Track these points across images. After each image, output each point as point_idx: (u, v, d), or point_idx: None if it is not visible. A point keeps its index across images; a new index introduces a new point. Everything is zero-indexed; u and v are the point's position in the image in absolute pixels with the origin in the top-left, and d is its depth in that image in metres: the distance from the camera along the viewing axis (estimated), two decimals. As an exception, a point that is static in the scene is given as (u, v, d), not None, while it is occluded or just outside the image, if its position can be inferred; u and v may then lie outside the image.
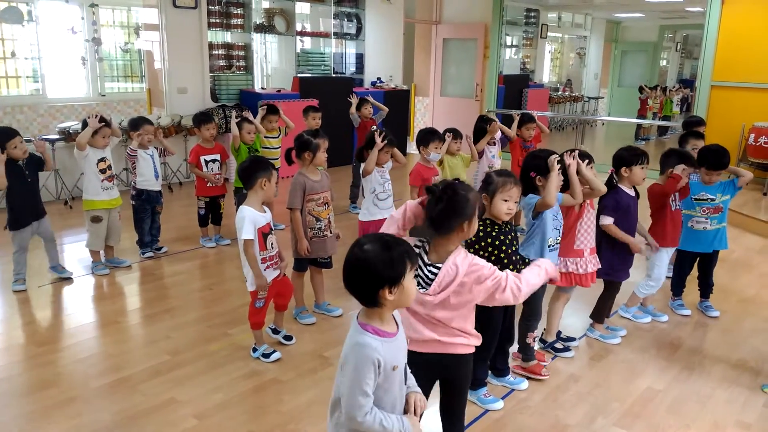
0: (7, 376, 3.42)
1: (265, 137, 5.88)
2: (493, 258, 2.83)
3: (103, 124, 4.82)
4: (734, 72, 8.58)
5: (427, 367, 2.36)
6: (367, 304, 1.86)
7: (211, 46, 8.37)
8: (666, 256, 4.16)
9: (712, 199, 4.19)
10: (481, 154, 5.65)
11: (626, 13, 15.55)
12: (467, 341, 2.38)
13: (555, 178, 3.14)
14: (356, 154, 4.72)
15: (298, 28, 9.53)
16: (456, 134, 5.20)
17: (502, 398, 3.26)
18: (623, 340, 3.99)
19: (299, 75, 9.21)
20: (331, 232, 4.06)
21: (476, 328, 2.42)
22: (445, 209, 2.24)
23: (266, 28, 9.02)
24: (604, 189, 3.46)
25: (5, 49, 8.83)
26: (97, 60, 9.47)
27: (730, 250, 4.80)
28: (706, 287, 4.46)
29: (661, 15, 15.14)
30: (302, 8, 9.74)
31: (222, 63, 8.67)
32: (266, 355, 3.65)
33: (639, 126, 13.60)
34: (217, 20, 8.43)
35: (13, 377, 3.42)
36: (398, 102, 10.34)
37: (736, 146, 8.40)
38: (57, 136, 7.01)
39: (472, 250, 2.84)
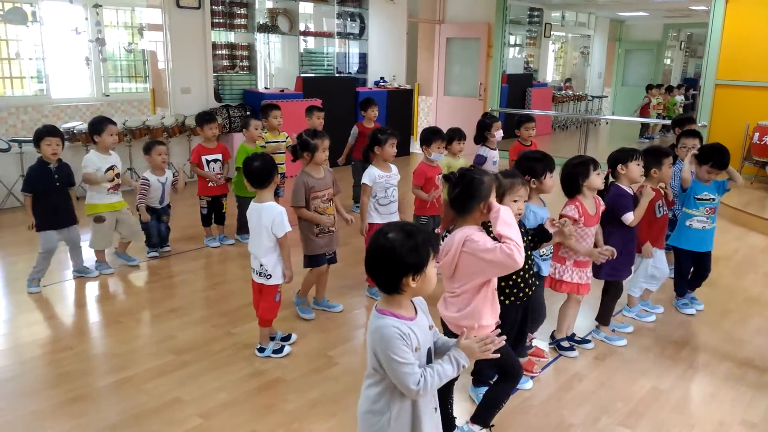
0: (13, 376, 3.43)
1: (268, 143, 5.87)
2: None
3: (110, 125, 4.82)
4: (738, 71, 8.56)
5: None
6: (388, 291, 1.91)
7: (214, 46, 8.37)
8: (662, 254, 4.16)
9: (713, 199, 4.19)
10: (484, 161, 5.50)
11: (630, 12, 15.52)
12: (467, 324, 2.51)
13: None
14: (362, 154, 4.73)
15: (302, 27, 9.53)
16: (460, 135, 5.18)
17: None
18: (628, 339, 3.99)
19: (302, 75, 9.22)
20: (335, 228, 4.13)
21: None
22: (461, 193, 2.48)
23: (269, 28, 9.03)
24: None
25: (9, 50, 8.86)
26: (101, 60, 9.50)
27: (734, 249, 4.80)
28: (696, 283, 4.47)
29: (665, 14, 15.10)
30: (305, 8, 9.74)
31: (225, 63, 8.68)
32: (277, 351, 3.66)
33: (643, 125, 13.55)
34: (221, 20, 8.44)
35: (19, 377, 3.43)
36: (401, 101, 10.35)
37: (741, 145, 8.39)
38: (61, 137, 7.02)
39: None
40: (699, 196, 4.20)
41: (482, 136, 5.56)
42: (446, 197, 2.61)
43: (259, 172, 3.53)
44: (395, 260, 1.85)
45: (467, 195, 2.47)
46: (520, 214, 2.89)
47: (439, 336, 2.09)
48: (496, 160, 5.53)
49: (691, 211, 4.26)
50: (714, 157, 4.13)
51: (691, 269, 4.44)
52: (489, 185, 2.49)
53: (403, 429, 1.97)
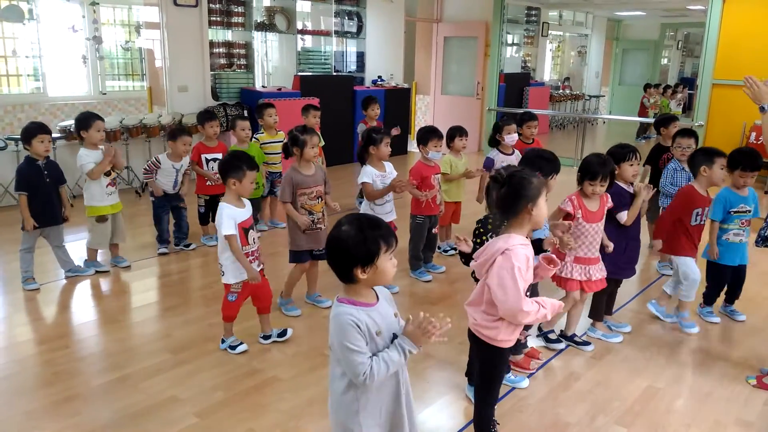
0: (8, 375, 3.43)
1: (265, 143, 5.86)
2: None
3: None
4: (735, 70, 8.56)
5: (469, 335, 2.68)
6: (343, 280, 1.97)
7: (211, 44, 8.36)
8: (691, 261, 4.06)
9: (749, 210, 4.07)
10: (492, 164, 5.32)
11: (627, 11, 15.53)
12: (490, 333, 2.53)
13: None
14: (358, 156, 4.73)
15: (299, 26, 9.52)
16: (461, 132, 5.15)
17: (502, 397, 3.26)
18: (624, 338, 3.99)
19: (300, 73, 9.21)
20: (324, 225, 4.10)
21: None
22: (508, 192, 2.39)
23: (267, 27, 9.02)
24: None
25: (6, 48, 8.84)
26: (98, 58, 9.47)
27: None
28: (733, 295, 4.37)
29: (663, 13, 15.12)
30: (303, 6, 9.73)
31: (223, 61, 8.66)
32: (233, 347, 3.68)
33: (642, 124, 13.54)
34: (218, 18, 8.43)
35: (14, 375, 3.43)
36: (399, 100, 10.34)
37: (738, 145, 8.39)
38: (58, 135, 7.01)
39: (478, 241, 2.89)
40: (736, 209, 4.05)
41: (495, 139, 5.33)
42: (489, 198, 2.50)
43: (219, 168, 3.60)
44: (345, 251, 1.90)
45: (515, 195, 2.38)
46: None
47: (402, 324, 2.08)
48: (503, 165, 5.39)
49: (726, 225, 4.09)
50: (743, 159, 4.00)
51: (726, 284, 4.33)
52: (538, 186, 2.40)
53: (374, 417, 2.00)
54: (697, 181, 3.97)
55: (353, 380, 1.94)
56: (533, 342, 3.81)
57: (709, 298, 4.39)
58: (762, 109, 3.31)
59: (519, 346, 3.54)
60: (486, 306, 2.51)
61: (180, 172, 5.29)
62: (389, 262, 1.95)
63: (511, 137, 5.29)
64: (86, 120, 4.73)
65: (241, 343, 3.70)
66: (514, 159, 5.26)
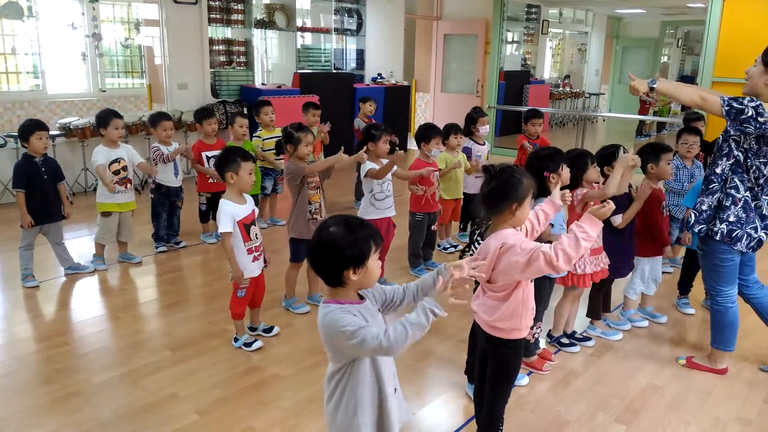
0: (8, 372, 3.43)
1: (266, 139, 5.86)
2: None
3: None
4: (736, 68, 8.53)
5: (478, 334, 2.60)
6: (331, 284, 1.92)
7: (211, 41, 8.36)
8: (648, 264, 4.09)
9: None
10: (469, 153, 5.50)
11: (627, 9, 15.52)
12: (506, 327, 2.47)
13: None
14: (356, 151, 4.73)
15: (299, 23, 9.51)
16: (456, 129, 5.19)
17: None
18: (624, 336, 3.99)
19: (300, 71, 9.20)
20: (322, 216, 4.11)
21: None
22: (496, 188, 2.36)
23: (267, 24, 9.01)
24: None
25: (5, 45, 8.83)
26: (97, 56, 9.46)
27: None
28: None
29: (663, 11, 15.11)
30: (303, 4, 9.72)
31: (222, 59, 8.66)
32: (248, 344, 3.68)
33: (641, 123, 13.53)
34: (218, 16, 8.42)
35: (14, 373, 3.43)
36: (399, 98, 10.34)
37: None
38: (57, 132, 7.01)
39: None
40: None
41: (469, 129, 5.61)
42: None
43: (215, 165, 3.60)
44: (336, 253, 1.86)
45: (501, 193, 2.35)
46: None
47: (393, 289, 2.06)
48: (480, 154, 5.59)
49: None
50: (710, 145, 4.10)
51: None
52: (527, 188, 2.37)
53: (370, 417, 1.98)
54: (648, 178, 3.94)
55: (379, 353, 1.83)
56: (545, 344, 3.80)
57: (682, 288, 4.46)
58: (652, 89, 3.41)
59: (531, 346, 3.54)
60: (501, 302, 2.47)
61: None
62: (376, 263, 1.93)
63: (484, 128, 5.61)
64: (105, 118, 4.81)
65: (256, 340, 3.71)
66: (485, 149, 5.69)
